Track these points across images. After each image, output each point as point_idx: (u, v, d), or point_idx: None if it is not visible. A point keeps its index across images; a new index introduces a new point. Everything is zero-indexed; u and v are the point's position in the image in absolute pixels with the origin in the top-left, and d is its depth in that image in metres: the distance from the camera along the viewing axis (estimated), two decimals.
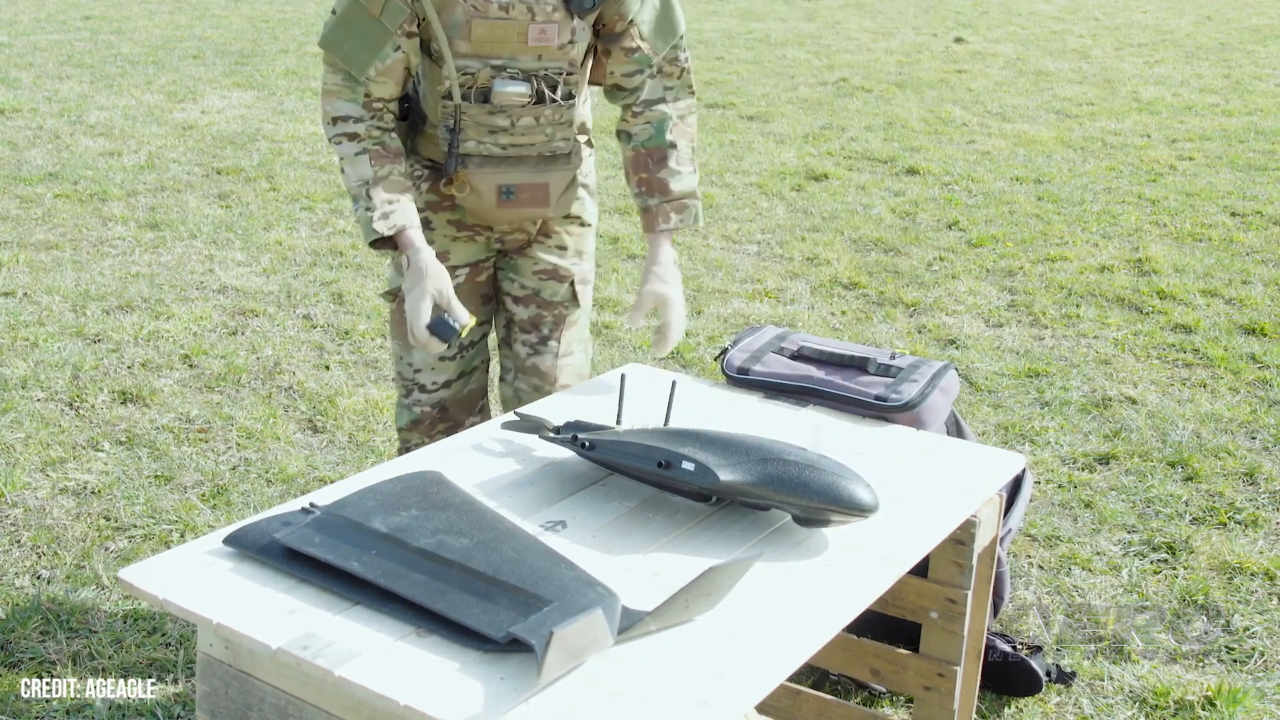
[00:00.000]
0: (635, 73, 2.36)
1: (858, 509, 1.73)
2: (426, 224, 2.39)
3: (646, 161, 2.39)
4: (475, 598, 1.45)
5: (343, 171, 2.23)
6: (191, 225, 5.66)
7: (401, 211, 2.22)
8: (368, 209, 2.19)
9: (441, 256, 2.35)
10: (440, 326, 2.18)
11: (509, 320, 2.54)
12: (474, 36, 2.20)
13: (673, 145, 2.39)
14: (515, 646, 1.43)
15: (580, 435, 1.88)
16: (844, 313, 4.80)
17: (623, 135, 2.42)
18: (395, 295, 2.46)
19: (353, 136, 2.22)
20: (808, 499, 1.72)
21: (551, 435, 1.95)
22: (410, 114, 2.40)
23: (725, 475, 1.72)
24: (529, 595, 1.45)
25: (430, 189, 2.41)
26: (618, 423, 1.94)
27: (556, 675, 1.34)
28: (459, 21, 2.19)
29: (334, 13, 2.22)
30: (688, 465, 1.73)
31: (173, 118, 7.70)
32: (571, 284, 2.51)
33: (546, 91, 2.29)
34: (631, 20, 2.30)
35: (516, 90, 2.26)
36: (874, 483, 1.96)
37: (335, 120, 2.23)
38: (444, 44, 2.20)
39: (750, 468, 1.73)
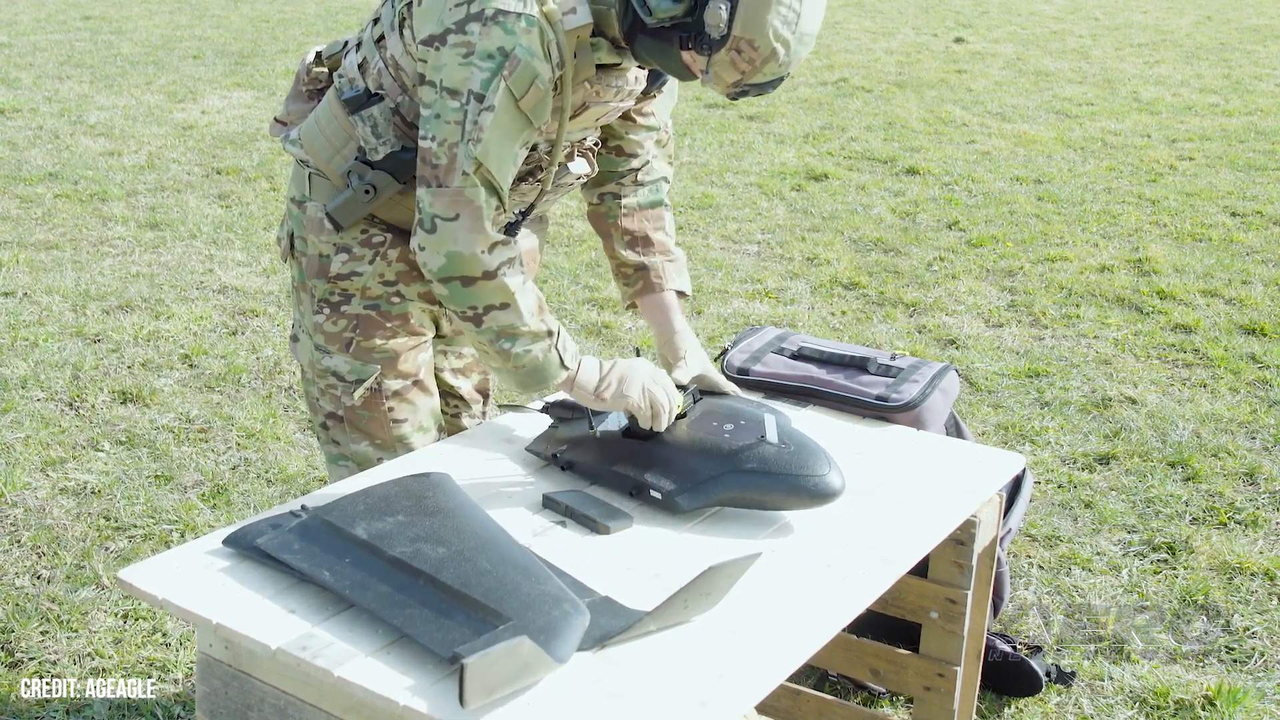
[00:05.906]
0: (645, 139, 2.22)
1: (820, 500, 1.81)
2: (397, 295, 2.07)
3: (643, 221, 2.22)
4: (433, 613, 1.46)
5: (502, 308, 1.82)
6: (191, 225, 5.66)
7: (566, 333, 1.93)
8: (553, 346, 1.88)
9: (415, 330, 2.10)
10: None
11: (446, 392, 2.33)
12: (578, 119, 1.98)
13: (667, 207, 2.26)
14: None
15: (559, 454, 1.97)
16: (844, 313, 4.80)
17: (607, 197, 2.22)
18: (374, 388, 2.08)
19: (512, 262, 1.83)
20: (770, 504, 1.82)
21: (544, 412, 2.06)
22: (396, 175, 1.97)
23: (687, 503, 1.82)
24: (488, 612, 1.45)
25: (400, 257, 2.05)
26: (590, 428, 1.96)
27: (486, 700, 1.33)
28: (575, 104, 1.96)
29: (477, 99, 1.76)
30: (655, 494, 1.84)
31: (173, 118, 7.70)
32: None
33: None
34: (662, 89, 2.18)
35: (582, 170, 2.09)
36: (874, 483, 1.97)
37: (494, 247, 1.81)
38: (562, 129, 1.93)
39: (710, 487, 1.82)
